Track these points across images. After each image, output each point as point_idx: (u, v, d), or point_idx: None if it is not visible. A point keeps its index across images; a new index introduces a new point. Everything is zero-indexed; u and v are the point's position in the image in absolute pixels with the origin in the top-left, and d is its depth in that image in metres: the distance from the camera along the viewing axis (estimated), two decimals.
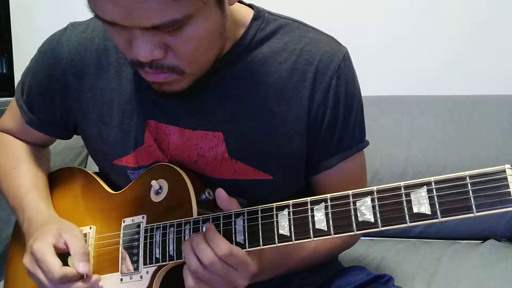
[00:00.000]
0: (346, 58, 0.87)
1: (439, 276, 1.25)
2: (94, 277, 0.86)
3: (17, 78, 1.02)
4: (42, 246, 0.84)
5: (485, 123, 1.50)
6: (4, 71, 1.93)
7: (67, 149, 1.54)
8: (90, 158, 1.31)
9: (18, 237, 1.00)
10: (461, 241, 1.46)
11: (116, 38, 0.72)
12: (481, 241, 1.44)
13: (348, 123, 0.89)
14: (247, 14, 0.87)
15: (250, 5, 0.89)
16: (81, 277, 0.85)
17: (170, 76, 0.74)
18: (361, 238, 1.50)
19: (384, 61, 1.74)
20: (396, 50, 1.74)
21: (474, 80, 1.69)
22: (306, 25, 0.90)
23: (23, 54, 1.89)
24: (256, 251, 0.77)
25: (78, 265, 0.84)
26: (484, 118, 1.51)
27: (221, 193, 0.80)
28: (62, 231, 0.88)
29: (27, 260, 0.86)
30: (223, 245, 0.74)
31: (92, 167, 1.06)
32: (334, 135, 0.88)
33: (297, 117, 0.86)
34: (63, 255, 0.86)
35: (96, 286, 0.86)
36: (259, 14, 0.87)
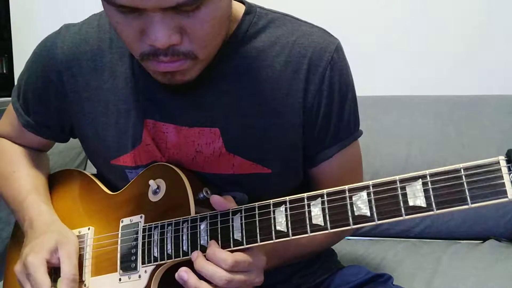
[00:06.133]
0: (338, 50, 0.88)
1: (439, 276, 1.25)
2: None
3: (17, 78, 1.02)
4: (35, 261, 0.84)
5: (485, 123, 1.50)
6: (4, 71, 1.93)
7: (67, 149, 1.54)
8: None
9: (18, 237, 1.00)
10: (461, 241, 1.46)
11: (126, 29, 0.72)
12: (481, 241, 1.44)
13: (343, 113, 0.89)
14: (239, 9, 0.87)
15: (241, 1, 0.90)
16: None
17: (184, 63, 0.74)
18: (361, 238, 1.51)
19: (384, 61, 1.75)
20: (396, 50, 1.74)
21: (474, 80, 1.69)
22: (298, 19, 0.91)
23: (23, 54, 1.88)
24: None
25: None
26: (484, 118, 1.51)
27: (215, 198, 0.80)
28: (59, 246, 0.87)
29: (18, 269, 0.87)
30: (228, 258, 0.74)
31: (92, 167, 1.06)
32: (330, 126, 0.89)
33: (293, 109, 0.86)
34: (56, 269, 0.86)
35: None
36: (251, 9, 0.88)
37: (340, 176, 0.89)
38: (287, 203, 0.74)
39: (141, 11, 0.68)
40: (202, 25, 0.71)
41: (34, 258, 0.84)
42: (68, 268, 0.86)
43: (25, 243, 0.91)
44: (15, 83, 1.02)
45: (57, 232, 0.91)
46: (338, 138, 0.90)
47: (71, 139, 1.05)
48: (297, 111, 0.86)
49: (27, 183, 0.99)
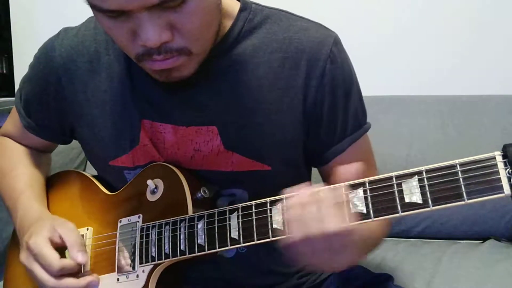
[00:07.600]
0: (337, 43, 0.87)
1: (439, 276, 1.25)
2: (92, 275, 0.86)
3: (17, 78, 1.02)
4: (38, 241, 0.84)
5: (485, 123, 1.49)
6: (4, 71, 1.93)
7: (67, 149, 1.53)
8: None
9: (18, 237, 1.00)
10: (461, 241, 1.45)
11: (118, 33, 0.72)
12: (481, 241, 1.44)
13: (350, 107, 0.88)
14: (234, 6, 0.87)
15: None
16: (79, 269, 0.85)
17: (178, 59, 0.74)
18: None
19: (384, 61, 1.74)
20: (396, 50, 1.74)
21: (474, 80, 1.68)
22: (293, 14, 0.90)
23: (23, 54, 1.89)
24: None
25: (76, 255, 0.84)
26: (484, 118, 1.50)
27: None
28: (56, 225, 0.88)
29: (23, 256, 0.86)
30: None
31: (92, 168, 1.07)
32: (337, 121, 0.87)
33: (292, 105, 0.85)
34: (59, 249, 0.86)
35: (93, 284, 0.86)
36: (245, 5, 0.88)
37: (354, 169, 0.87)
38: (284, 201, 0.74)
39: (128, 13, 0.68)
40: (191, 19, 0.71)
41: (36, 238, 0.84)
42: (72, 237, 0.86)
43: (21, 237, 0.91)
44: (15, 83, 1.02)
45: (50, 218, 0.92)
46: (348, 132, 0.89)
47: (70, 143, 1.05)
48: (296, 108, 0.86)
49: (23, 182, 1.00)
